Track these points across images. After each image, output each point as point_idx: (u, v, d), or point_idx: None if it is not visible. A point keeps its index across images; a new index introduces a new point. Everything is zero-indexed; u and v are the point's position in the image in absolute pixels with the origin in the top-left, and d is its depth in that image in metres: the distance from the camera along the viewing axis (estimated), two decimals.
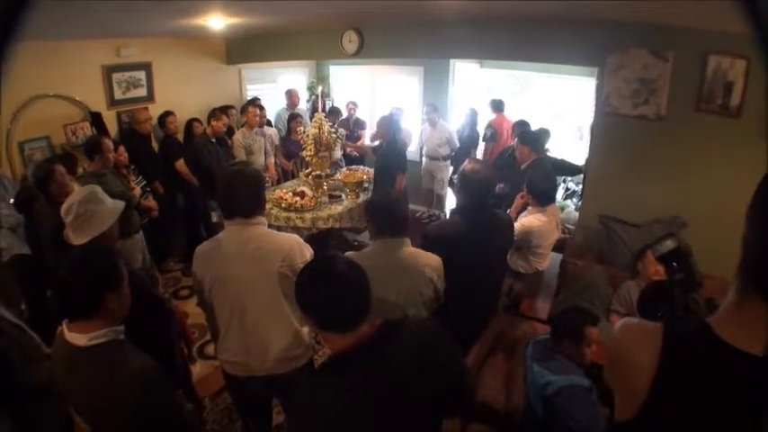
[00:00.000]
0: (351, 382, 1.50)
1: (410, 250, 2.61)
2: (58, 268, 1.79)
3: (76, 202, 2.55)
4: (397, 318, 1.72)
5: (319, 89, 6.66)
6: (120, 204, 2.77)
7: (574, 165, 5.75)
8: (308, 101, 8.97)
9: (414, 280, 2.57)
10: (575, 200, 6.87)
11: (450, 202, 8.09)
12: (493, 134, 7.54)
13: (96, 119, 6.14)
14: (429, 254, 2.66)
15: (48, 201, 3.79)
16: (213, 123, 6.13)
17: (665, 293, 2.83)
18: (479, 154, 7.81)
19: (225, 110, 6.84)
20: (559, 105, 8.72)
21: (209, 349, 4.65)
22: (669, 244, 3.82)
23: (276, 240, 2.47)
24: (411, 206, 7.64)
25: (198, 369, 4.31)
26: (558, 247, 4.35)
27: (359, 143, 7.86)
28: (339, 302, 1.53)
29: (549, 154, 5.88)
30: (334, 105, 8.53)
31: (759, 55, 0.66)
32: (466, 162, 3.12)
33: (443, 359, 1.65)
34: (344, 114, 8.27)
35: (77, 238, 2.53)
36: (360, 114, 8.55)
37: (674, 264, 3.77)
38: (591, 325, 2.61)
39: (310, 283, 1.60)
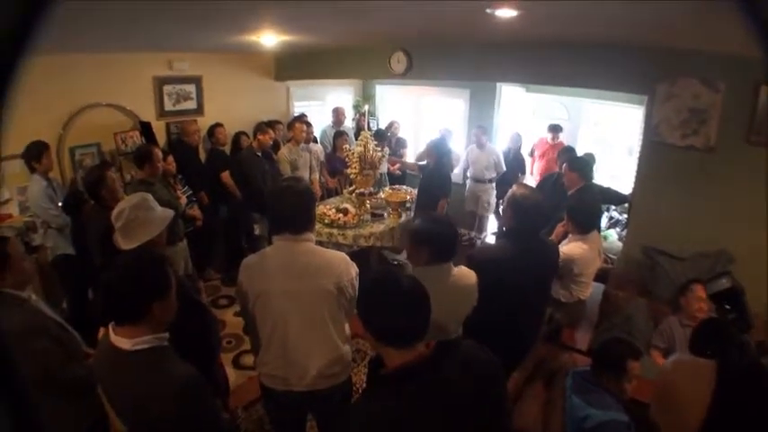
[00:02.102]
0: (405, 400, 1.51)
1: (455, 272, 2.59)
2: (106, 271, 1.82)
3: (128, 208, 2.60)
4: (450, 339, 1.72)
5: (365, 108, 6.72)
6: (170, 212, 2.81)
7: (620, 194, 5.63)
8: (353, 119, 9.05)
9: (462, 302, 2.58)
10: (618, 229, 6.76)
11: (492, 225, 8.05)
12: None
13: (146, 128, 6.32)
14: (468, 270, 2.65)
15: (97, 205, 3.89)
16: (259, 137, 6.22)
17: (719, 332, 2.77)
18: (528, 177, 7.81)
19: (271, 124, 6.94)
20: (606, 132, 8.63)
21: (245, 359, 4.72)
22: (724, 282, 3.72)
23: (325, 257, 2.48)
24: None
25: (233, 379, 4.34)
26: (601, 276, 4.27)
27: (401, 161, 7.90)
28: (401, 317, 1.55)
29: (595, 181, 5.79)
30: (380, 128, 8.59)
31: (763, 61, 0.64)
32: (515, 186, 3.09)
33: (496, 386, 1.66)
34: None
35: (126, 243, 2.57)
36: (405, 135, 8.61)
37: (726, 303, 3.67)
38: (633, 359, 2.57)
39: (375, 296, 1.63)
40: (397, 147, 8.23)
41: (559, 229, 4.11)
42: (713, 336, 2.64)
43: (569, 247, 3.71)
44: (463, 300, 2.59)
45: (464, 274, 2.62)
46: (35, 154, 4.57)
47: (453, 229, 2.56)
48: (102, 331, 2.00)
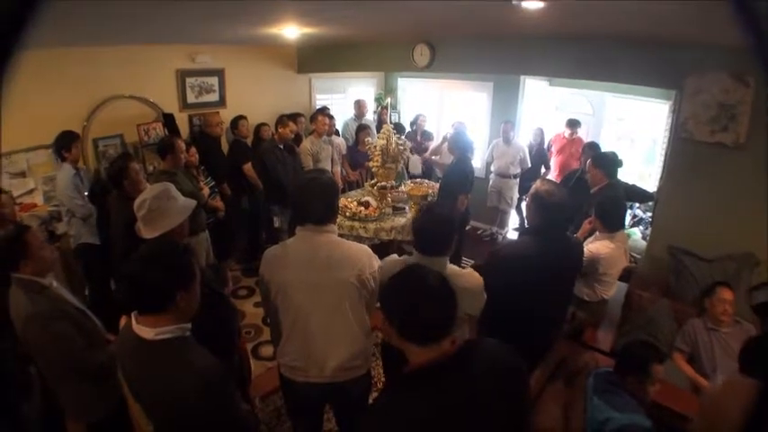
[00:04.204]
0: (430, 399, 1.48)
1: (453, 272, 2.57)
2: (131, 260, 1.82)
3: (150, 198, 2.61)
4: (475, 338, 1.68)
5: (387, 101, 6.68)
6: (192, 203, 2.82)
7: (646, 191, 5.52)
8: (374, 112, 9.04)
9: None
10: (641, 227, 6.66)
11: (513, 220, 8.01)
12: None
13: (169, 120, 6.36)
14: (473, 274, 2.63)
15: (120, 195, 3.93)
16: (280, 130, 6.21)
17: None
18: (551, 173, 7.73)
19: (293, 117, 6.92)
20: (630, 127, 8.50)
21: (263, 350, 4.78)
22: None
23: (347, 249, 2.48)
24: (473, 223, 7.60)
25: (251, 369, 4.36)
26: (624, 276, 4.19)
27: (425, 155, 7.91)
28: (426, 314, 1.52)
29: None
30: (399, 122, 8.60)
31: (757, 68, 0.59)
32: (538, 182, 3.04)
33: (519, 386, 1.64)
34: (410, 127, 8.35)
35: (148, 232, 2.59)
36: (427, 128, 8.54)
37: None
38: (657, 362, 2.53)
39: (400, 291, 1.60)
40: (423, 139, 8.21)
41: (586, 225, 4.05)
42: (763, 353, 2.54)
43: (596, 246, 3.65)
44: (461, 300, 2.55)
45: (463, 275, 2.60)
46: (65, 143, 4.63)
47: (444, 225, 2.55)
48: (123, 320, 2.02)
